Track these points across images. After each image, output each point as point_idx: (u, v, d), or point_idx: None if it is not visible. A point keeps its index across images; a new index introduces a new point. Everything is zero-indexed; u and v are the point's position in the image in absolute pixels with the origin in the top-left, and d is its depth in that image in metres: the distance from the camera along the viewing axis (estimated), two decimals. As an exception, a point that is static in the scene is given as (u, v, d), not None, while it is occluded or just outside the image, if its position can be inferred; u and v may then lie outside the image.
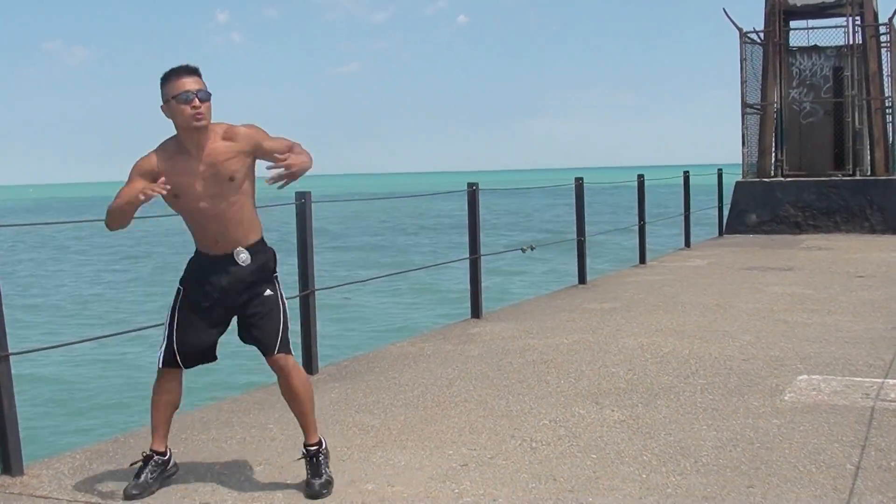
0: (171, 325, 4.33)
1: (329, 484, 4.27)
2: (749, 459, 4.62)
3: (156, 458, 4.39)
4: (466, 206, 9.40)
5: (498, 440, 5.06)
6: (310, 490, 4.24)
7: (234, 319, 4.36)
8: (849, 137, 18.71)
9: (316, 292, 7.02)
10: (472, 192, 9.32)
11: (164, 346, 4.33)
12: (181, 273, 4.38)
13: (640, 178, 14.27)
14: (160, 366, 4.34)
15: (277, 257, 4.41)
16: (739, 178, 19.23)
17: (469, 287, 9.50)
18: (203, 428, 5.44)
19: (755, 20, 19.21)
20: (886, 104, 18.95)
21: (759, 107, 19.14)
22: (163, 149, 4.20)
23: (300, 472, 4.52)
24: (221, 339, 4.44)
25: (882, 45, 18.86)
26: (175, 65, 4.13)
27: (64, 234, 45.75)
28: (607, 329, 8.40)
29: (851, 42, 18.57)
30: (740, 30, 19.01)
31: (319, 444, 4.36)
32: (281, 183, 4.08)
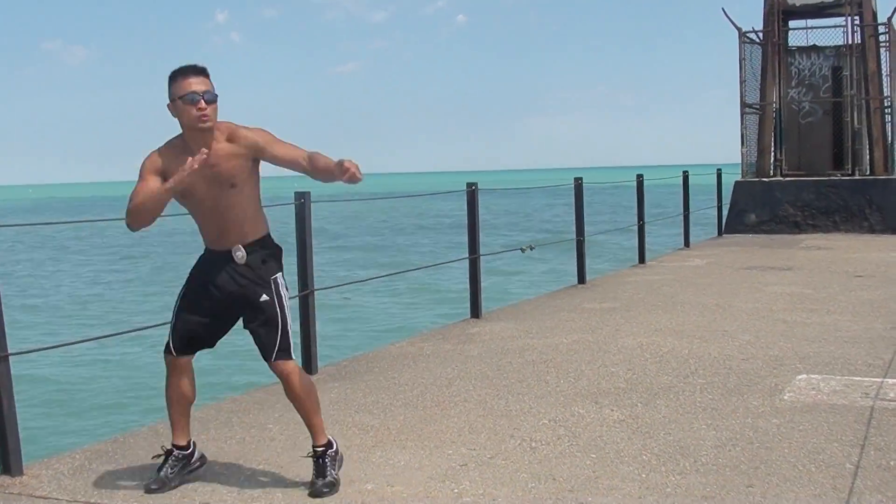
0: (174, 312, 4.40)
1: (333, 485, 4.26)
2: (748, 459, 4.62)
3: (176, 452, 4.45)
4: (466, 207, 9.41)
5: (497, 440, 5.06)
6: (312, 489, 4.24)
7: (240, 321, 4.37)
8: (848, 137, 18.72)
9: (315, 292, 7.02)
10: (472, 193, 9.33)
11: (168, 332, 4.40)
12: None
13: (640, 178, 14.27)
14: (164, 353, 4.42)
15: (282, 258, 4.40)
16: (739, 178, 19.24)
17: (468, 287, 9.51)
18: (202, 428, 5.44)
19: (754, 20, 19.25)
20: (885, 104, 18.96)
21: (758, 106, 19.14)
22: (169, 147, 4.22)
23: (300, 471, 4.53)
24: (222, 340, 4.45)
25: (881, 44, 18.87)
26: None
27: (63, 234, 45.77)
28: (607, 329, 8.40)
29: (850, 42, 18.58)
30: (739, 30, 19.02)
31: (327, 446, 4.35)
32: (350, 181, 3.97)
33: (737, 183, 19.17)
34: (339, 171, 3.97)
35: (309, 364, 6.83)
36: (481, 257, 9.60)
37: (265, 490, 4.33)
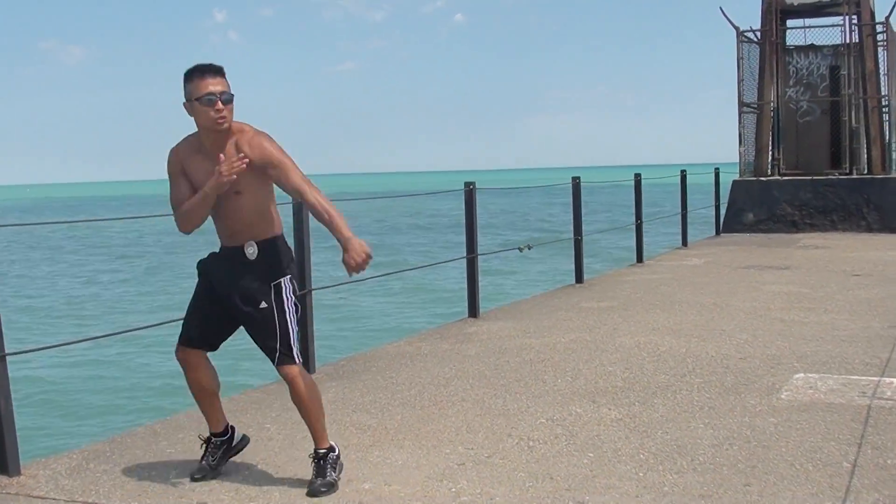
0: (188, 306, 4.45)
1: (331, 486, 4.26)
2: (746, 458, 4.62)
3: (213, 440, 4.55)
4: (463, 206, 9.40)
5: (495, 439, 5.06)
6: (310, 488, 4.24)
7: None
8: (845, 136, 18.74)
9: (313, 292, 7.02)
10: (469, 192, 9.32)
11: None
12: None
13: (637, 177, 14.28)
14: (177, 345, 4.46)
15: (290, 260, 4.41)
16: (736, 178, 19.24)
17: (466, 286, 9.51)
18: (200, 428, 5.41)
19: (752, 19, 19.26)
20: (883, 103, 18.97)
21: (755, 106, 19.15)
22: (187, 143, 4.26)
23: (298, 471, 4.53)
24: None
25: (879, 43, 18.88)
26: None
27: (58, 234, 45.73)
28: (604, 328, 8.40)
29: (848, 41, 18.60)
30: (737, 29, 19.03)
31: (329, 450, 4.35)
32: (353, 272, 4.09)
33: (734, 182, 19.18)
34: (345, 249, 4.02)
35: (307, 364, 6.80)
36: (479, 257, 9.60)
37: (262, 489, 4.33)
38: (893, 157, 19.26)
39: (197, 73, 4.09)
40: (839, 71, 18.84)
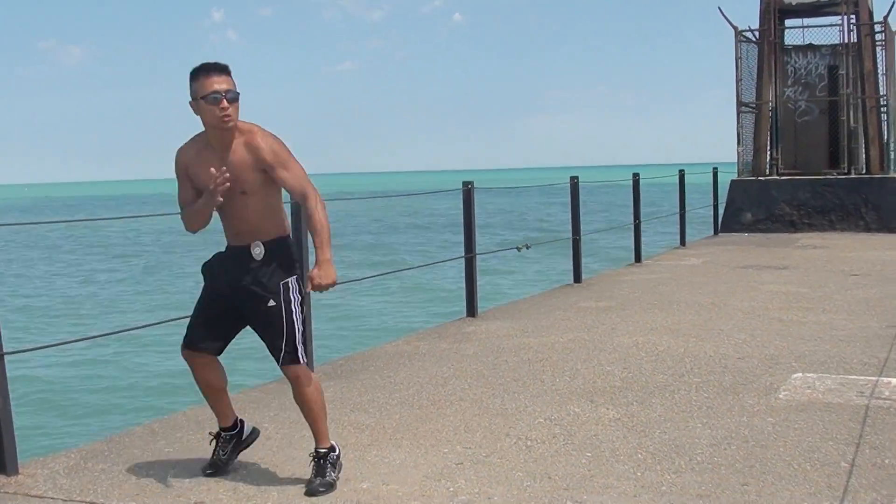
0: (194, 308, 4.47)
1: (330, 486, 4.26)
2: (744, 457, 4.62)
3: (223, 434, 4.58)
4: (462, 206, 9.40)
5: (493, 438, 5.06)
6: (309, 487, 4.25)
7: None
8: (844, 136, 18.74)
9: (311, 292, 7.01)
10: (468, 191, 9.32)
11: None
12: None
13: (636, 176, 14.28)
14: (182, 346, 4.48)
15: (297, 260, 4.43)
16: (735, 177, 19.25)
17: (464, 286, 9.51)
18: (197, 427, 5.43)
19: (751, 19, 19.25)
20: (881, 102, 18.98)
21: (754, 105, 19.16)
22: (194, 142, 4.29)
23: (296, 470, 4.53)
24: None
25: (877, 43, 18.89)
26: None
27: (56, 233, 45.70)
28: (602, 327, 8.40)
29: (846, 40, 18.60)
30: (735, 28, 19.04)
31: (330, 449, 4.36)
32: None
33: (733, 182, 19.19)
34: (318, 265, 4.15)
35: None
36: (477, 256, 9.60)
37: (260, 489, 4.33)
38: (892, 156, 19.27)
39: (202, 72, 4.11)
40: (837, 70, 18.85)
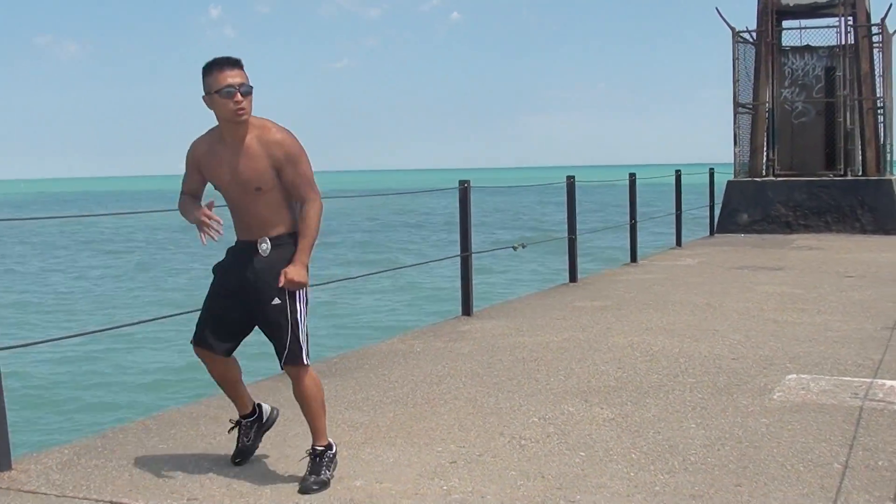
0: (203, 305, 4.48)
1: (324, 484, 4.26)
2: (737, 458, 4.62)
3: (244, 422, 4.65)
4: (458, 204, 9.40)
5: (487, 437, 5.06)
6: (302, 485, 4.25)
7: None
8: (840, 137, 18.76)
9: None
10: (464, 190, 9.32)
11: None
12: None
13: (632, 176, 14.28)
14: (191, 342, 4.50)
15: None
16: (731, 178, 19.27)
17: (460, 284, 9.50)
18: (192, 424, 5.43)
19: (748, 20, 19.26)
20: (878, 104, 19.00)
21: (751, 106, 19.17)
22: (208, 136, 4.31)
23: (289, 468, 4.53)
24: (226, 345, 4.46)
25: (874, 45, 18.90)
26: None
27: (49, 229, 45.61)
28: (597, 327, 8.41)
29: (844, 42, 18.63)
30: (733, 29, 19.05)
31: (327, 447, 4.37)
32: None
33: (729, 183, 19.21)
34: (294, 265, 4.22)
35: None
36: (473, 255, 9.59)
37: (254, 486, 4.33)
38: (888, 158, 19.29)
39: (216, 67, 4.14)
40: (834, 72, 18.88)
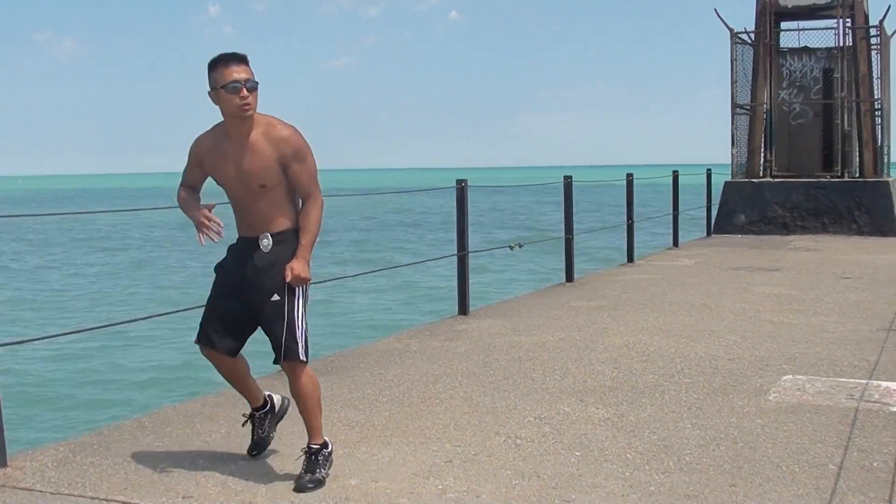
0: (206, 303, 4.49)
1: (319, 483, 4.26)
2: (732, 458, 4.63)
3: (256, 414, 4.71)
4: (455, 203, 9.40)
5: (482, 437, 5.06)
6: (297, 483, 4.25)
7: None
8: (838, 139, 18.77)
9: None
10: (461, 190, 9.31)
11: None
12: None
13: (629, 177, 14.28)
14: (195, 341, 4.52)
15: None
16: (729, 179, 19.28)
17: (457, 283, 9.50)
18: (187, 422, 5.43)
19: (747, 21, 19.26)
20: (876, 106, 19.01)
21: (748, 107, 19.18)
22: (213, 132, 4.32)
23: (284, 466, 4.53)
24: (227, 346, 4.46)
25: (872, 47, 18.92)
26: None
27: (46, 225, 45.54)
28: (594, 327, 8.41)
29: (842, 44, 18.62)
30: (731, 30, 19.05)
31: (323, 445, 4.37)
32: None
33: (726, 183, 19.21)
34: (297, 260, 4.23)
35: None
36: (469, 254, 9.59)
37: (248, 484, 4.33)
38: (885, 160, 19.31)
39: (222, 62, 4.14)
40: (832, 74, 18.88)
